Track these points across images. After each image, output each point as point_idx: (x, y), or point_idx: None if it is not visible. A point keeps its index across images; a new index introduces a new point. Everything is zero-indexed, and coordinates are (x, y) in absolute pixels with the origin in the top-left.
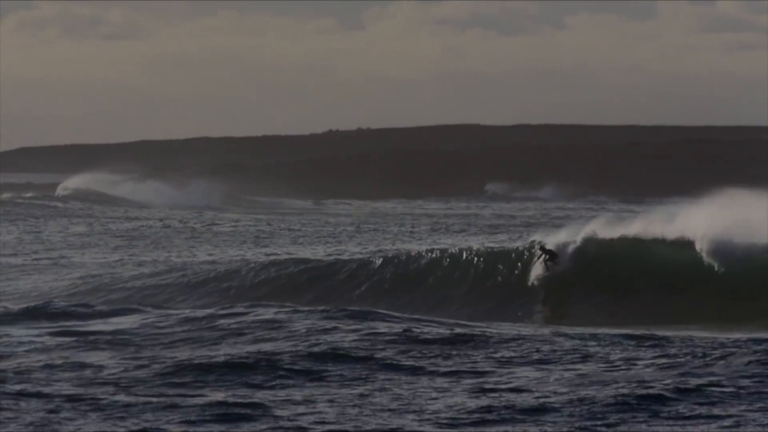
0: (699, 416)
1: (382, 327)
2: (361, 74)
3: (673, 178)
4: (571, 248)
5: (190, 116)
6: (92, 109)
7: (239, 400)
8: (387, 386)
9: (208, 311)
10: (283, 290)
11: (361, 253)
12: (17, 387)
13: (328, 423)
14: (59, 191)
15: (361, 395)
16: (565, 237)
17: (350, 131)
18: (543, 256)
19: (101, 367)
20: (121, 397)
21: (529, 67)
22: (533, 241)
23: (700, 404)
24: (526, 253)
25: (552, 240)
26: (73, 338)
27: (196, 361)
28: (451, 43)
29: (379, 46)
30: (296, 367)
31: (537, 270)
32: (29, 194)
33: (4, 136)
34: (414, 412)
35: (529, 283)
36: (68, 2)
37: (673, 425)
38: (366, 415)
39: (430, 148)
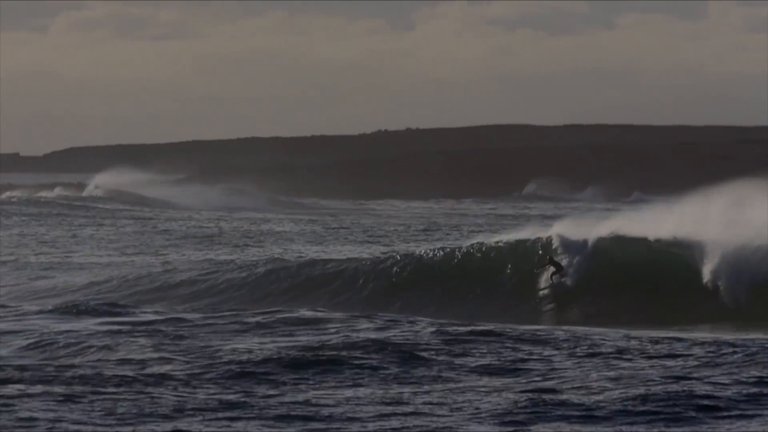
0: (751, 416)
1: (422, 326)
2: (410, 75)
3: (722, 177)
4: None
5: (240, 116)
6: (142, 110)
7: (293, 400)
8: (436, 386)
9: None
10: (307, 291)
11: (427, 251)
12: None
13: (383, 419)
14: (92, 191)
15: (415, 394)
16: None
17: (399, 131)
18: (550, 267)
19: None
20: (198, 395)
21: (579, 67)
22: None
23: (755, 405)
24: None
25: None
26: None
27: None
28: (500, 44)
29: (428, 47)
30: (340, 365)
31: (544, 279)
32: (67, 193)
33: (55, 135)
34: (464, 410)
35: (537, 288)
36: (119, 3)
37: (730, 424)
38: (423, 414)
39: (479, 148)
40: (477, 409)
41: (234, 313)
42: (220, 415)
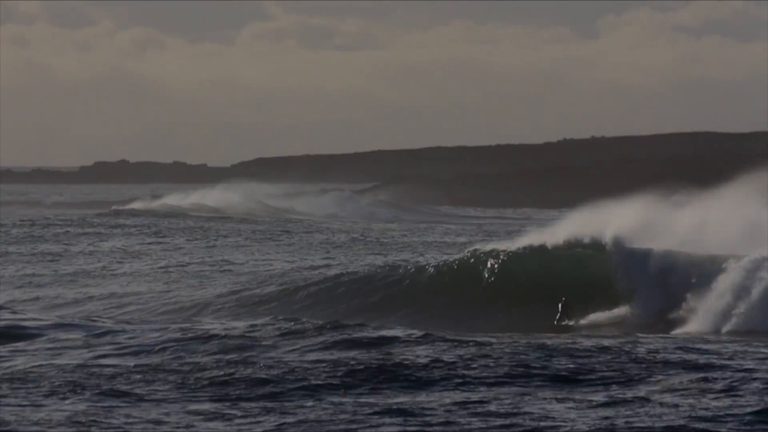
0: None
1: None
2: (595, 82)
3: None
4: None
5: (424, 126)
6: (327, 120)
7: (373, 400)
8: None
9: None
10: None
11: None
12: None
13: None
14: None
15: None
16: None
17: (584, 140)
18: (562, 308)
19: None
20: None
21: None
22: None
23: None
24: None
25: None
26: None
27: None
28: (687, 50)
29: (613, 54)
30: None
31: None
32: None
33: (242, 146)
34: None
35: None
36: (304, 14)
37: None
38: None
39: (665, 156)
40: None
41: None
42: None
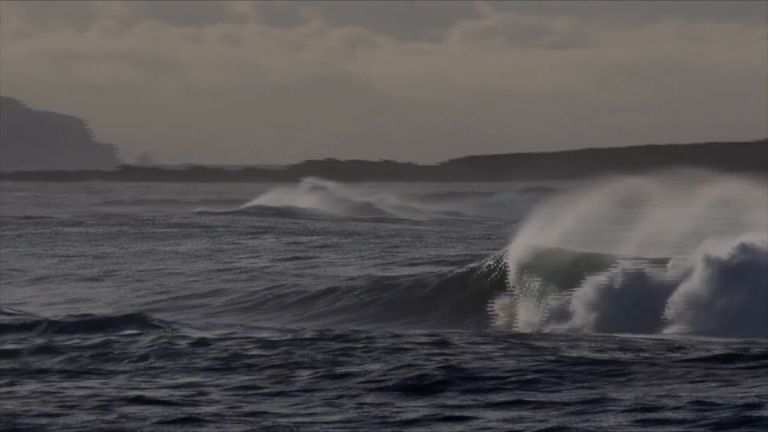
0: None
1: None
2: None
3: None
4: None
5: (634, 124)
6: (536, 118)
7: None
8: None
9: None
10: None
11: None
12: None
13: None
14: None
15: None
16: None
17: None
18: None
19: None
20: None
21: None
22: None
23: None
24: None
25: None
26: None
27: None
28: None
29: None
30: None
31: None
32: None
33: (450, 144)
34: None
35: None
36: (514, 12)
37: None
38: None
39: None
40: None
41: None
42: None
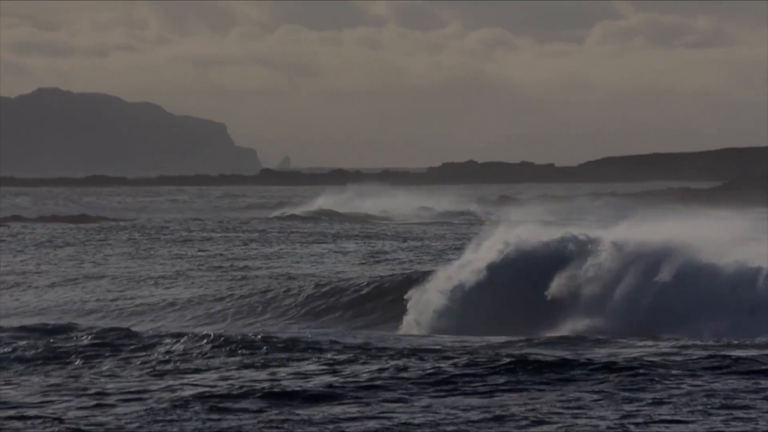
0: None
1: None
2: None
3: None
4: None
5: None
6: (677, 118)
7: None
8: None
9: None
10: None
11: None
12: None
13: None
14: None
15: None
16: None
17: None
18: None
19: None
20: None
21: None
22: None
23: None
24: None
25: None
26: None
27: None
28: None
29: None
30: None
31: None
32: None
33: (590, 145)
34: None
35: None
36: (654, 11)
37: None
38: None
39: None
40: None
41: None
42: None
